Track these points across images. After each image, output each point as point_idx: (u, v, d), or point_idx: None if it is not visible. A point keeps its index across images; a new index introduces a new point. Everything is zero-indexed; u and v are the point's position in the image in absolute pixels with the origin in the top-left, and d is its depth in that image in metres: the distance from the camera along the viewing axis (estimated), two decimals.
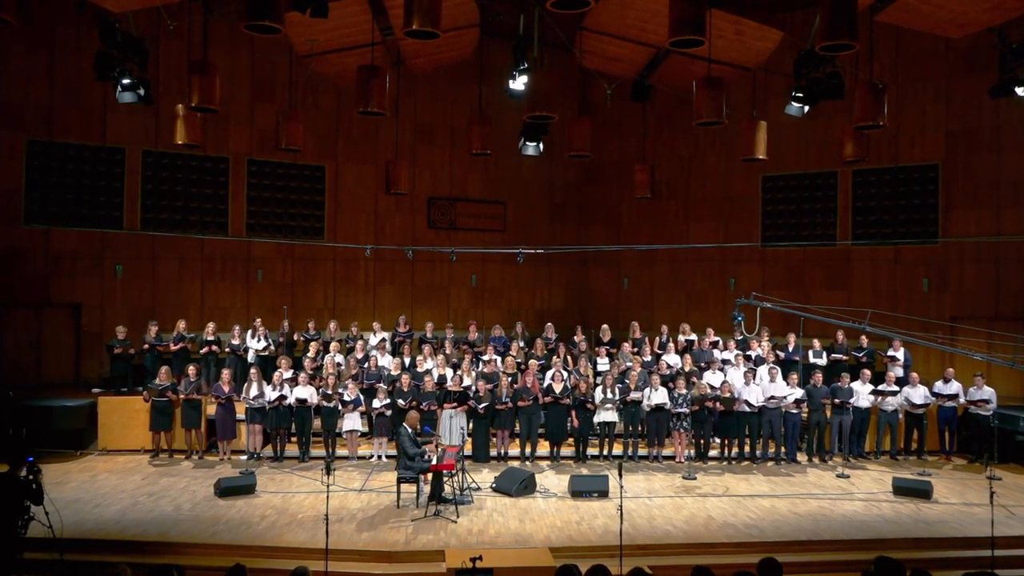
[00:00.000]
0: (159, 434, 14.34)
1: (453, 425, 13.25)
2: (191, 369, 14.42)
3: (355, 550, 9.82)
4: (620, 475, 9.61)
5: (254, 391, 13.99)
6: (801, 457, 14.61)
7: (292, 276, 19.66)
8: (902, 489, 12.40)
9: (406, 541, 10.13)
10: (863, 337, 16.00)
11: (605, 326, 16.86)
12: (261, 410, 14.05)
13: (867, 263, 19.08)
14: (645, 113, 20.70)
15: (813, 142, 19.47)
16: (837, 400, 14.41)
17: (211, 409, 14.49)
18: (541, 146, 16.80)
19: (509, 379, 14.50)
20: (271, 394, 13.98)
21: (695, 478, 13.25)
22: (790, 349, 16.09)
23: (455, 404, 13.68)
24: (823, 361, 15.79)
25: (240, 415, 14.34)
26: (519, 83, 15.74)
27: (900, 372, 15.36)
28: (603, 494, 12.09)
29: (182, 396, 14.18)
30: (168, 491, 12.19)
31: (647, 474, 13.61)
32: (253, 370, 14.33)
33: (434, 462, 11.33)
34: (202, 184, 18.71)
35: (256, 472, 12.93)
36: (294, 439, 14.56)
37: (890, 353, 15.71)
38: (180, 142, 15.48)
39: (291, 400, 14.01)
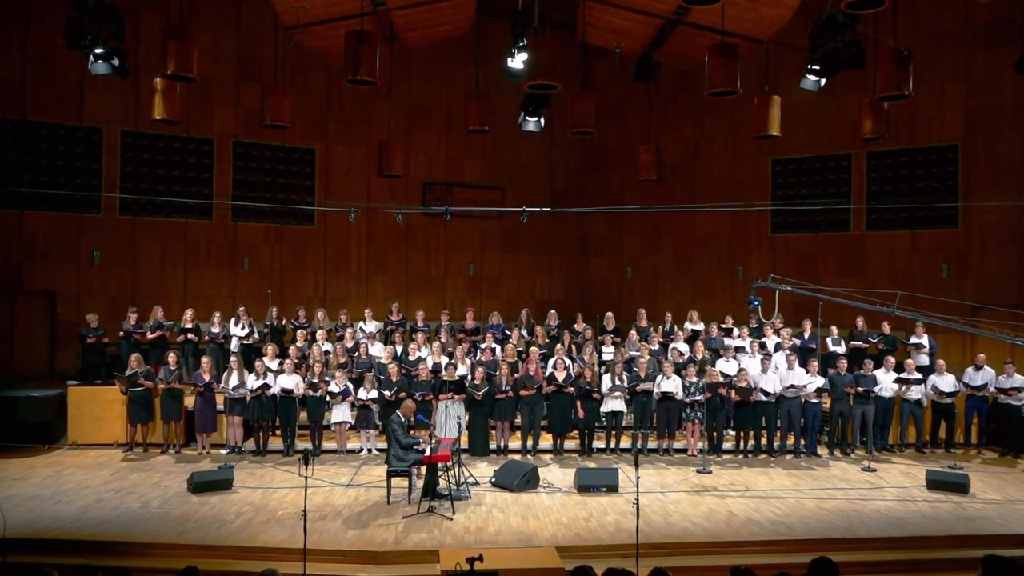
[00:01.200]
0: (135, 427, 13.17)
1: (449, 415, 12.09)
2: (171, 356, 13.25)
3: (338, 550, 8.66)
4: (636, 466, 8.48)
5: (234, 380, 12.82)
6: (821, 450, 13.47)
7: (280, 263, 18.50)
8: (936, 483, 11.27)
9: (396, 540, 8.98)
10: (884, 324, 14.88)
11: (610, 314, 15.71)
12: (242, 401, 12.89)
13: (883, 249, 17.96)
14: (650, 94, 19.56)
15: (825, 123, 18.38)
16: (860, 389, 13.27)
17: (191, 401, 13.32)
18: (542, 121, 15.68)
19: (509, 367, 13.36)
20: (253, 383, 12.82)
21: (710, 472, 12.11)
22: (806, 337, 14.96)
23: (451, 394, 12.49)
24: (842, 349, 14.65)
25: (220, 406, 13.18)
26: (518, 61, 14.67)
27: (925, 360, 14.26)
28: (613, 489, 10.95)
29: (161, 385, 13.01)
30: (137, 487, 11.01)
31: (658, 468, 12.46)
32: (233, 358, 13.16)
33: (428, 453, 10.17)
34: (185, 166, 17.55)
35: (236, 467, 11.79)
36: (279, 433, 13.42)
37: (913, 340, 14.59)
38: (158, 117, 14.28)
39: (275, 390, 12.85)
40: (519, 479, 10.99)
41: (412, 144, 19.45)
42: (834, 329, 15.03)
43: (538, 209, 14.78)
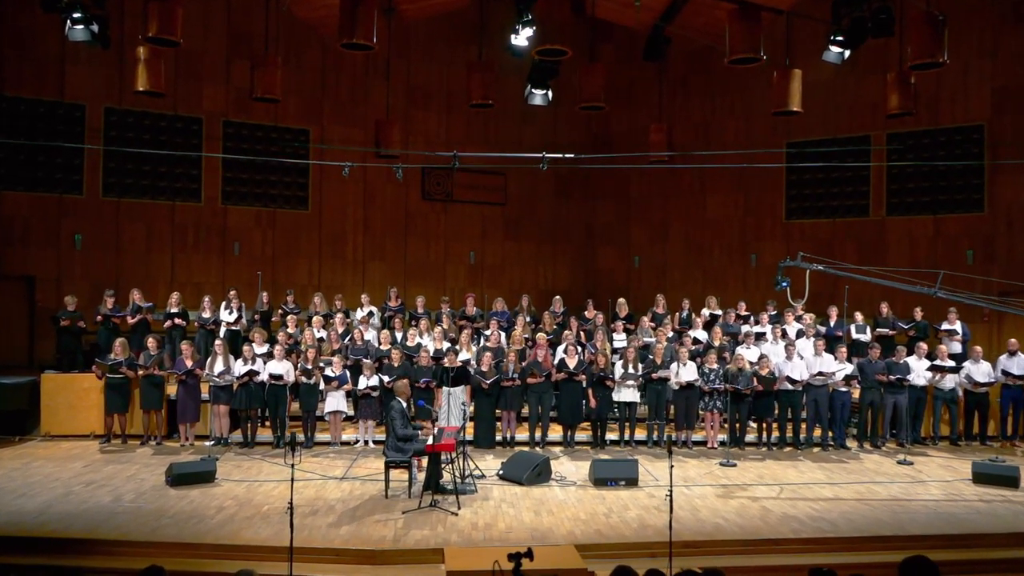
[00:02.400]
0: (113, 417, 12.09)
1: (453, 403, 11.02)
2: (151, 341, 12.18)
3: (330, 548, 7.60)
4: (670, 454, 7.44)
5: (219, 366, 11.75)
6: (849, 443, 12.43)
7: (273, 249, 17.41)
8: (984, 477, 10.22)
9: (395, 538, 7.91)
10: (917, 310, 13.85)
11: (622, 300, 14.65)
12: (228, 389, 11.82)
13: (903, 236, 16.95)
14: (662, 73, 18.51)
15: (843, 104, 17.37)
16: (893, 377, 12.24)
17: (173, 389, 12.25)
18: (550, 94, 14.61)
19: (516, 354, 12.31)
20: (239, 369, 11.75)
21: (735, 465, 11.07)
22: (831, 324, 13.94)
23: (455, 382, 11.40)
24: (867, 336, 13.60)
25: (205, 395, 12.10)
26: (522, 38, 13.70)
27: (957, 347, 13.25)
28: (632, 482, 9.89)
29: (141, 372, 11.94)
30: (111, 480, 9.93)
31: (678, 461, 11.29)
32: (218, 342, 12.10)
33: (430, 442, 9.11)
34: (172, 146, 16.41)
35: (220, 459, 10.73)
36: (268, 424, 12.35)
37: (945, 327, 13.57)
38: (141, 88, 13.19)
39: (263, 376, 11.78)
40: (530, 471, 9.93)
41: (411, 126, 18.36)
42: (858, 315, 14.01)
43: (560, 155, 13.48)
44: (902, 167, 16.86)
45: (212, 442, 11.88)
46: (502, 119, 19.07)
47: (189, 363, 11.81)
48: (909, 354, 12.59)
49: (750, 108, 18.30)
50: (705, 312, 14.54)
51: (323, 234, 17.84)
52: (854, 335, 13.70)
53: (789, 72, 14.00)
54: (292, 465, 7.39)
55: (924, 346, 12.72)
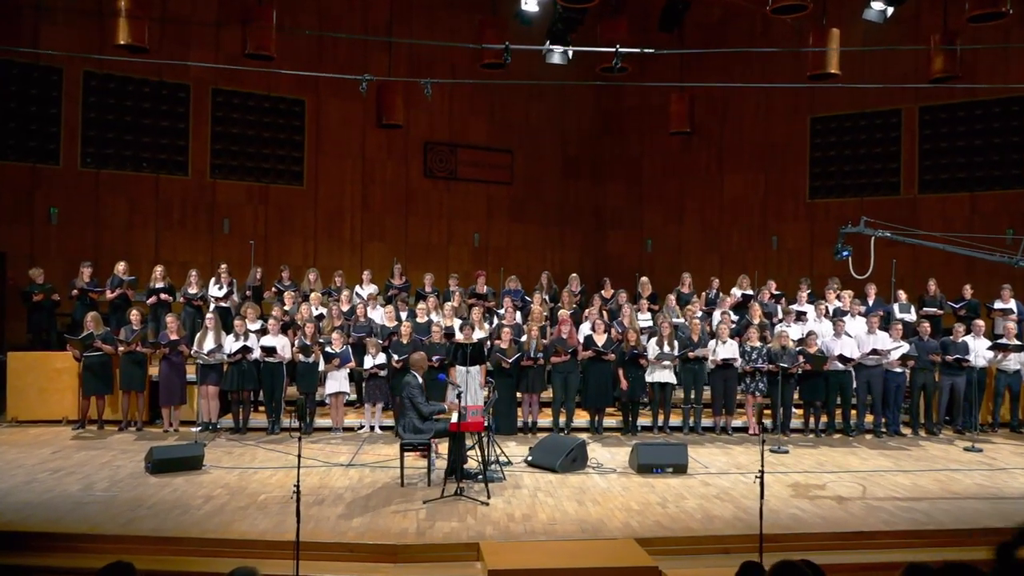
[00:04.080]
0: (89, 401, 10.62)
1: (471, 380, 9.64)
2: (134, 315, 10.73)
3: (343, 543, 6.19)
4: (761, 427, 6.10)
5: (209, 343, 10.32)
6: (903, 430, 11.16)
7: (265, 228, 15.94)
8: None
9: (419, 531, 6.52)
10: (966, 288, 12.61)
11: (645, 279, 13.31)
12: (218, 368, 10.39)
13: (937, 215, 15.68)
14: (674, 46, 17.21)
15: (871, 76, 16.09)
16: (950, 357, 10.98)
17: (156, 371, 10.79)
18: (570, 53, 13.25)
19: (538, 330, 10.95)
20: (231, 346, 10.33)
21: (787, 451, 9.74)
22: (870, 303, 12.65)
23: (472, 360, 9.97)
24: (911, 317, 12.32)
25: (191, 376, 10.67)
26: (532, 3, 12.36)
27: (1013, 327, 11.98)
28: (681, 469, 8.54)
29: (122, 348, 10.49)
30: (82, 467, 8.48)
31: (722, 448, 10.07)
32: (209, 316, 10.68)
33: (454, 420, 7.73)
34: (157, 115, 15.00)
35: (208, 445, 9.30)
36: (262, 409, 10.93)
37: (999, 305, 12.31)
38: (122, 43, 11.74)
39: (257, 354, 10.36)
40: (564, 457, 8.56)
41: (412, 100, 16.93)
42: (902, 294, 12.72)
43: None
44: (936, 142, 15.66)
45: (199, 428, 10.44)
46: (508, 94, 17.74)
47: (174, 338, 10.36)
48: (965, 334, 11.33)
49: (771, 82, 17.04)
50: (736, 292, 13.21)
51: (319, 212, 16.41)
52: (898, 315, 12.40)
53: (827, 32, 12.77)
54: (299, 437, 5.98)
55: (981, 324, 11.47)
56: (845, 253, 9.49)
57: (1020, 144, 14.97)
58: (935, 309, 12.58)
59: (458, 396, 7.58)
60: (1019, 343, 11.20)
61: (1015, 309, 12.19)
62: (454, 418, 7.72)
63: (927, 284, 12.83)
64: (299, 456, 5.89)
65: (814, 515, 7.09)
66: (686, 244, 18.13)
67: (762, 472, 5.98)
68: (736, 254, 17.50)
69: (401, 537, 6.34)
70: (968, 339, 11.21)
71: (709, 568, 6.10)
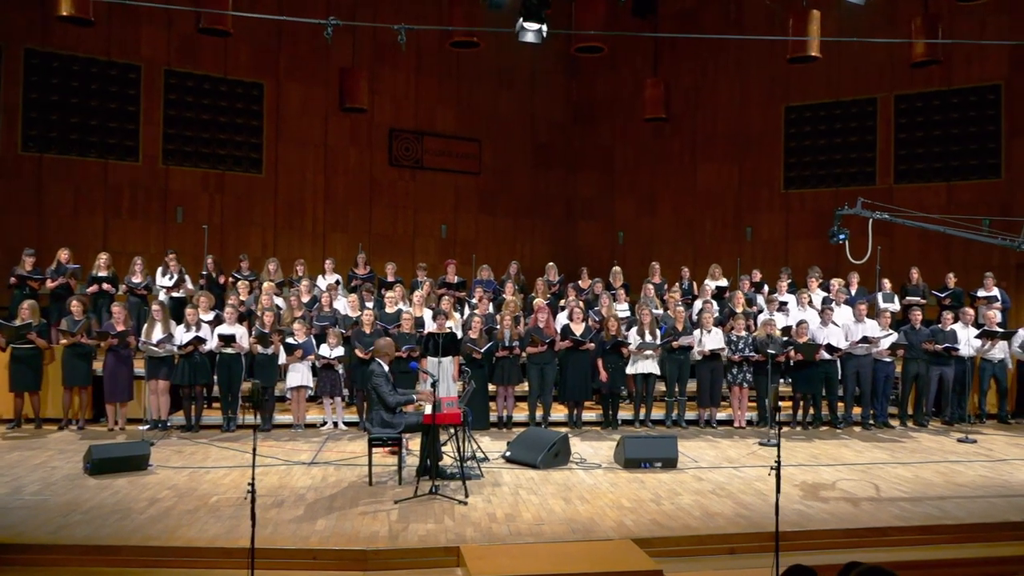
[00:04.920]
0: (23, 397, 9.68)
1: (444, 372, 8.92)
2: (74, 304, 9.79)
3: (305, 549, 5.43)
4: (774, 413, 5.48)
5: (158, 333, 9.45)
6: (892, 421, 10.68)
7: (222, 217, 15.03)
8: None
9: (391, 534, 5.78)
10: (949, 276, 12.23)
11: (617, 268, 12.74)
12: (168, 361, 9.53)
13: (913, 204, 15.00)
14: (659, 28, 16.64)
15: (847, 64, 15.72)
16: (940, 346, 10.52)
17: (101, 366, 9.89)
18: (544, 30, 12.54)
19: (512, 320, 10.25)
20: (183, 336, 9.48)
21: (777, 445, 9.14)
22: (852, 292, 12.17)
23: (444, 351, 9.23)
24: (895, 306, 11.87)
25: (139, 370, 9.78)
26: None
27: (997, 316, 11.58)
28: (670, 463, 7.92)
29: (63, 341, 9.57)
30: (11, 469, 7.58)
31: (709, 441, 9.47)
32: (156, 306, 9.80)
33: (428, 411, 7.00)
34: (105, 96, 14.01)
35: (157, 443, 8.46)
36: (217, 405, 10.09)
37: (982, 293, 11.93)
38: (64, 14, 10.77)
39: (211, 345, 9.53)
40: (545, 453, 7.88)
41: (377, 86, 16.15)
42: (886, 283, 12.27)
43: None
44: (912, 131, 15.29)
45: (148, 426, 9.56)
46: (477, 81, 17.09)
47: (120, 327, 9.48)
48: (953, 322, 10.89)
49: (745, 71, 16.64)
50: (710, 283, 12.60)
51: (279, 201, 15.53)
52: (882, 304, 11.93)
53: (807, 13, 12.27)
54: (254, 427, 5.21)
55: (970, 311, 11.04)
56: (842, 236, 8.91)
57: (997, 133, 14.65)
58: (918, 298, 12.14)
59: (433, 385, 6.85)
60: (1007, 330, 10.78)
61: (999, 297, 11.83)
62: (427, 410, 6.99)
63: (909, 273, 12.40)
64: (254, 450, 5.12)
65: (821, 511, 6.49)
66: (659, 235, 17.58)
67: (779, 463, 5.34)
68: (710, 246, 16.98)
69: (371, 541, 5.59)
70: (957, 327, 10.77)
71: (717, 571, 5.46)
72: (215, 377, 9.72)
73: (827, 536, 5.93)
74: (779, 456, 5.45)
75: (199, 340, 9.38)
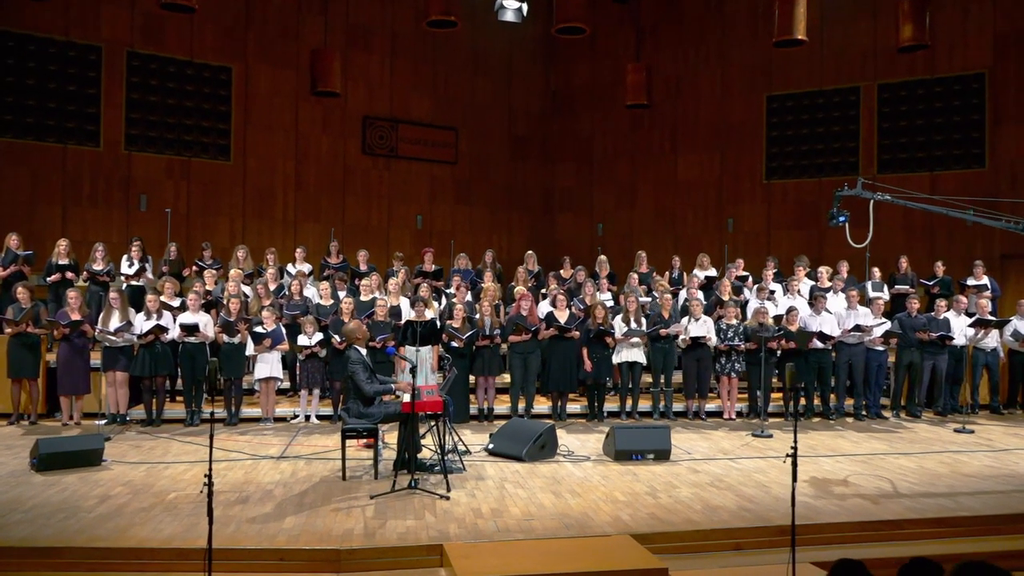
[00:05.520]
0: None
1: (422, 359, 8.38)
2: (20, 291, 9.12)
3: (272, 549, 4.88)
4: (795, 399, 5.05)
5: (115, 321, 8.81)
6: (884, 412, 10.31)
7: (188, 205, 14.34)
8: None
9: (367, 531, 5.24)
10: (938, 265, 11.91)
11: (603, 257, 12.30)
12: (127, 351, 8.89)
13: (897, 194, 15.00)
14: (628, 20, 16.24)
15: (829, 53, 15.40)
16: (934, 335, 10.17)
17: (54, 357, 9.23)
18: (525, 8, 12.07)
19: (492, 308, 9.75)
20: (143, 324, 8.85)
21: (771, 436, 8.73)
22: (844, 280, 11.77)
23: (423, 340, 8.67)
24: (884, 295, 11.51)
25: (96, 361, 9.13)
26: None
27: (986, 304, 11.26)
28: (663, 455, 7.44)
29: (8, 330, 8.90)
30: None
31: (700, 433, 9.02)
32: (114, 293, 9.15)
33: (406, 400, 6.46)
34: (64, 78, 13.24)
35: (113, 439, 7.84)
36: (180, 399, 9.48)
37: (971, 282, 11.61)
38: None
39: (174, 334, 8.91)
40: (531, 444, 7.37)
41: (350, 71, 15.54)
42: (876, 271, 11.92)
43: None
44: (895, 120, 14.99)
45: (105, 420, 8.92)
46: (453, 68, 16.56)
47: (76, 317, 8.82)
48: (946, 310, 10.54)
49: (727, 59, 16.27)
50: (699, 273, 12.16)
51: (248, 189, 14.87)
52: (871, 293, 11.56)
53: None
54: (212, 413, 4.63)
55: (963, 299, 10.70)
56: (842, 219, 8.48)
57: (981, 122, 14.38)
58: (907, 287, 11.79)
59: (412, 371, 6.31)
60: (1000, 319, 10.46)
61: (989, 285, 11.52)
62: (406, 398, 6.46)
63: (898, 262, 12.06)
64: (211, 438, 4.54)
65: (830, 504, 6.04)
66: (638, 227, 17.15)
67: (795, 450, 4.89)
68: (691, 237, 16.57)
69: (345, 540, 5.05)
70: (950, 316, 10.42)
71: (724, 568, 4.98)
72: (178, 368, 9.10)
73: (840, 530, 5.48)
74: (795, 442, 4.96)
75: (160, 328, 8.76)
